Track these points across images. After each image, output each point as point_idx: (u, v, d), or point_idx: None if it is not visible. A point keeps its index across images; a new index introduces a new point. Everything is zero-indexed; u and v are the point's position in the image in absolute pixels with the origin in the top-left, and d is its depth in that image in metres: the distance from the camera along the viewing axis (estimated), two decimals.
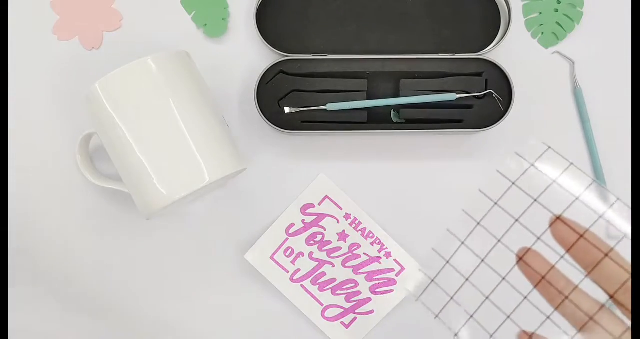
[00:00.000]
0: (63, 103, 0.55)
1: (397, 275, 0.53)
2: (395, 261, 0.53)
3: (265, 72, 0.53)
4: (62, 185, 0.54)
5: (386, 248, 0.53)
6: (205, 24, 0.55)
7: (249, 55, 0.55)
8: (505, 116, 0.52)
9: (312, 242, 0.53)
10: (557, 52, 0.56)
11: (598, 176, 0.54)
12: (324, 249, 0.53)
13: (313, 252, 0.53)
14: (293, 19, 0.54)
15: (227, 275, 0.54)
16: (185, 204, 0.53)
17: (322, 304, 0.53)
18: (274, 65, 0.53)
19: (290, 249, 0.53)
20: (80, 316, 0.54)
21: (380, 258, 0.53)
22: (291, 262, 0.53)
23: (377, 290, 0.53)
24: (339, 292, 0.53)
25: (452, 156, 0.55)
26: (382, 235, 0.53)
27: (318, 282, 0.53)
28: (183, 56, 0.47)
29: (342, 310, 0.53)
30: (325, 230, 0.53)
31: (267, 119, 0.52)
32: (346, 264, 0.53)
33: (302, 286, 0.53)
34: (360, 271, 0.53)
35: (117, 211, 0.54)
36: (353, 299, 0.53)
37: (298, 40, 0.54)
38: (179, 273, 0.54)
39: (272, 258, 0.53)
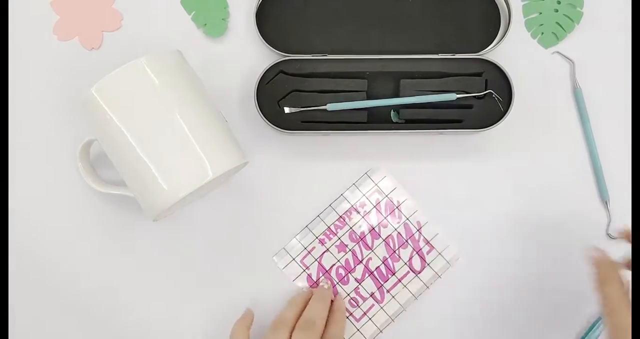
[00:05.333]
0: (63, 103, 0.54)
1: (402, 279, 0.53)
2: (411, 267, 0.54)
3: (265, 72, 0.53)
4: (64, 189, 0.54)
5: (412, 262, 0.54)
6: (205, 24, 0.55)
7: (249, 55, 0.55)
8: (505, 116, 0.52)
9: (341, 251, 0.54)
10: (557, 52, 0.56)
11: (598, 176, 0.54)
12: (350, 253, 0.54)
13: (341, 262, 0.54)
14: (293, 19, 0.54)
15: (232, 274, 0.54)
16: (188, 203, 0.53)
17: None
18: (274, 65, 0.53)
19: (316, 252, 0.54)
20: (81, 317, 0.54)
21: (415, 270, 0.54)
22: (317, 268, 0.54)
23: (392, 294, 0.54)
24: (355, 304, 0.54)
25: (452, 156, 0.55)
26: (415, 247, 0.54)
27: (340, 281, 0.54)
28: (175, 55, 0.47)
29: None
30: (353, 234, 0.54)
31: (267, 119, 0.52)
32: (372, 274, 0.54)
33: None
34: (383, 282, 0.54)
35: (121, 217, 0.54)
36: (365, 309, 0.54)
37: (298, 40, 0.54)
38: (184, 274, 0.54)
39: (301, 261, 0.54)
